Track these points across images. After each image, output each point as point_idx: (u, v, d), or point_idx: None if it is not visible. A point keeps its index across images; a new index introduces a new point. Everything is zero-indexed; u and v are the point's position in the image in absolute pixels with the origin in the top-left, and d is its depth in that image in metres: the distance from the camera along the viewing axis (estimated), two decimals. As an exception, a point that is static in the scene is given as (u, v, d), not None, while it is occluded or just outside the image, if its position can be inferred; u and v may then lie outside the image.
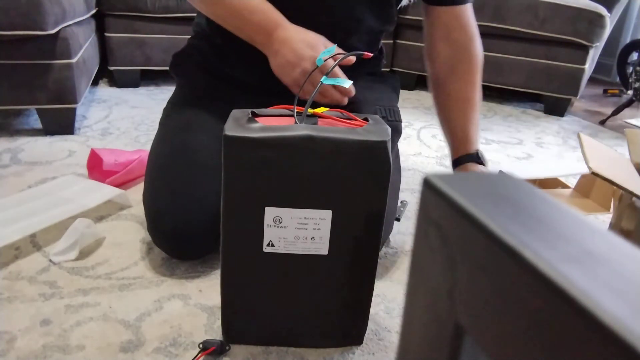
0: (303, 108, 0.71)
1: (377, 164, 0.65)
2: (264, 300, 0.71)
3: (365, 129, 0.66)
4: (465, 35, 0.98)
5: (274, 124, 0.67)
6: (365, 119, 0.72)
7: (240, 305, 0.72)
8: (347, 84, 0.74)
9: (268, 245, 0.68)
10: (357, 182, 0.65)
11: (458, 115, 0.96)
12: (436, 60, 1.00)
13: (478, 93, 0.98)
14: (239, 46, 0.90)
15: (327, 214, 0.67)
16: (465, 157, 0.93)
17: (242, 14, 0.85)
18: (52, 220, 0.99)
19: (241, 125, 0.65)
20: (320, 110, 0.73)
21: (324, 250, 0.69)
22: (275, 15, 0.84)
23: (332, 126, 0.67)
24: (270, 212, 0.66)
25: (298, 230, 0.67)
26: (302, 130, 0.64)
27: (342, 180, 0.65)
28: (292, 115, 0.71)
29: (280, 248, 0.68)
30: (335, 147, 0.64)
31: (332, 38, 0.92)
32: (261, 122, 0.67)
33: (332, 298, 0.72)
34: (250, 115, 0.67)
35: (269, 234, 0.67)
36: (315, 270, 0.70)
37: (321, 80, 0.72)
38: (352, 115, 0.73)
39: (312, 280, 0.70)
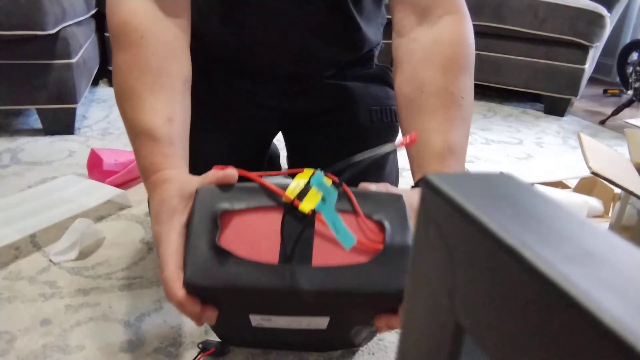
0: (290, 193, 0.53)
1: (388, 307, 0.53)
2: (259, 337, 0.67)
3: (376, 264, 0.50)
4: (443, 8, 0.70)
5: (251, 246, 0.51)
6: (379, 219, 0.53)
7: (234, 337, 0.70)
8: (349, 243, 0.49)
9: (258, 325, 0.60)
10: (361, 312, 0.56)
11: (435, 118, 0.66)
12: (403, 41, 0.72)
13: (466, 91, 0.68)
14: (229, 48, 0.89)
15: (323, 319, 0.57)
16: None
17: (134, 132, 0.64)
18: (52, 220, 0.99)
19: (205, 257, 0.50)
20: (312, 197, 0.52)
21: (322, 327, 0.60)
22: (157, 157, 0.61)
23: (330, 253, 0.51)
24: (256, 317, 0.57)
25: (291, 323, 0.59)
26: (287, 280, 0.49)
27: (341, 307, 0.55)
28: (277, 207, 0.54)
29: (272, 326, 0.60)
30: (331, 298, 0.51)
31: (283, 71, 0.87)
32: (234, 240, 0.51)
33: (334, 340, 0.69)
34: (219, 224, 0.51)
35: (256, 321, 0.58)
36: (314, 333, 0.62)
37: (320, 206, 0.51)
38: (359, 209, 0.53)
39: (310, 337, 0.65)
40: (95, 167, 1.24)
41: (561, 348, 0.15)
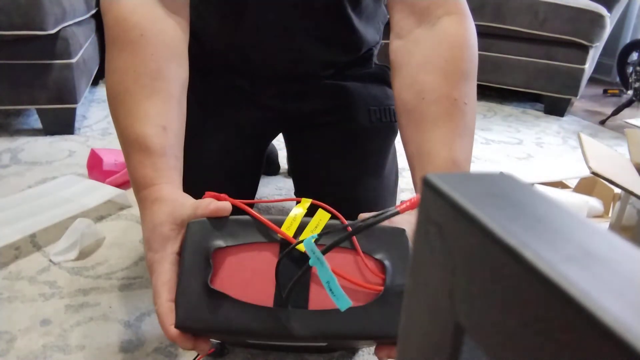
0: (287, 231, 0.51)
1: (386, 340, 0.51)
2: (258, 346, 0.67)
3: (375, 306, 0.49)
4: (442, 9, 0.67)
5: (244, 287, 0.50)
6: (381, 264, 0.51)
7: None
8: (344, 305, 0.47)
9: (255, 342, 0.59)
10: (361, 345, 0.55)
11: (438, 127, 0.62)
12: (402, 43, 0.69)
13: (469, 97, 0.65)
14: (227, 48, 0.89)
15: (321, 345, 0.56)
16: None
17: (126, 141, 0.62)
18: (52, 220, 0.99)
19: (198, 298, 0.49)
20: (310, 228, 0.51)
21: (322, 343, 0.59)
22: (148, 170, 0.59)
23: (327, 300, 0.49)
24: (252, 343, 0.57)
25: (288, 347, 0.58)
26: (282, 320, 0.48)
27: (339, 345, 0.55)
28: (272, 242, 0.52)
29: (269, 344, 0.59)
30: (328, 341, 0.50)
31: (282, 72, 0.87)
32: (227, 281, 0.50)
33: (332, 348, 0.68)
34: (212, 263, 0.50)
35: (254, 344, 0.59)
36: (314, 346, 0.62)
37: (313, 264, 0.47)
38: (359, 248, 0.51)
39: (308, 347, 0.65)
40: (95, 167, 1.24)
41: (561, 348, 0.15)
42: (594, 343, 0.14)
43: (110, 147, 1.45)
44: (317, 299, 0.50)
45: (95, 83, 2.18)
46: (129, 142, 0.60)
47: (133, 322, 0.78)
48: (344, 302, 0.46)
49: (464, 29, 0.67)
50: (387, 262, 0.51)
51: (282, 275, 0.50)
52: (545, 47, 2.19)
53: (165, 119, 0.61)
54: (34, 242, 0.97)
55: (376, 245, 0.51)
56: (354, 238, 0.51)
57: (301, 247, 0.49)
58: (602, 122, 2.21)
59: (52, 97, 1.48)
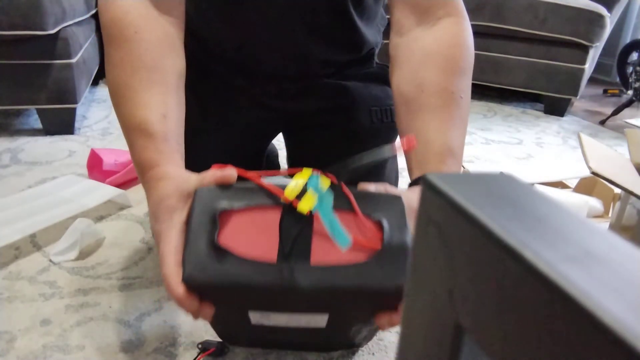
0: (290, 194, 0.53)
1: (387, 306, 0.53)
2: (259, 335, 0.67)
3: (375, 263, 0.51)
4: (442, 10, 0.71)
5: (250, 245, 0.52)
6: (378, 219, 0.53)
7: (234, 336, 0.70)
8: (345, 243, 0.49)
9: (257, 322, 0.59)
10: (360, 310, 0.56)
11: (435, 117, 0.66)
12: (403, 41, 0.72)
13: (465, 91, 0.69)
14: (227, 47, 0.89)
15: (322, 316, 0.57)
16: None
17: (129, 128, 0.65)
18: (52, 220, 0.99)
19: (205, 254, 0.51)
20: (310, 199, 0.52)
21: (322, 325, 0.59)
22: (152, 153, 0.61)
23: (329, 256, 0.51)
24: (255, 314, 0.57)
25: (289, 321, 0.59)
26: (286, 278, 0.49)
27: (340, 305, 0.55)
28: (276, 206, 0.54)
29: (271, 324, 0.60)
30: (330, 296, 0.51)
31: (283, 70, 0.87)
32: (232, 239, 0.52)
33: (334, 339, 0.68)
34: (218, 223, 0.52)
35: (256, 320, 0.58)
36: (314, 332, 0.62)
37: (317, 207, 0.50)
38: (358, 210, 0.53)
39: (310, 336, 0.65)
40: (95, 167, 1.24)
41: (561, 348, 0.15)
42: (594, 343, 0.14)
43: (110, 147, 1.45)
44: (319, 255, 0.51)
45: (95, 83, 2.18)
46: (132, 129, 0.63)
47: (133, 322, 0.78)
48: (345, 241, 0.47)
49: (462, 29, 0.71)
50: (384, 222, 0.52)
51: (285, 232, 0.52)
52: (545, 47, 2.19)
53: (165, 107, 0.64)
54: (34, 242, 0.97)
55: (373, 208, 0.53)
56: (353, 200, 0.53)
57: (302, 209, 0.51)
58: (602, 122, 2.21)
59: (52, 97, 1.48)
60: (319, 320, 0.58)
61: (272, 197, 0.54)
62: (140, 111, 0.63)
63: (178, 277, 0.51)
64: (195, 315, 0.53)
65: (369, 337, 0.73)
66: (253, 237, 0.52)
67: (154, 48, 0.66)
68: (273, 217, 0.53)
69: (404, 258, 0.51)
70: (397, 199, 0.55)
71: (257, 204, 0.54)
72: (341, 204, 0.53)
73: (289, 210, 0.52)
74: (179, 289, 0.51)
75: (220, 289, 0.51)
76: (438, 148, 0.64)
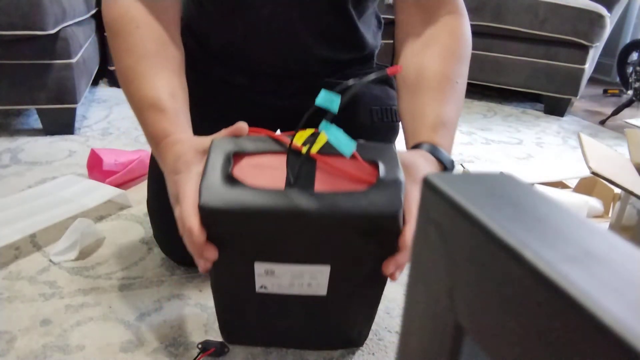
0: (295, 144, 0.58)
1: (385, 236, 0.56)
2: (260, 321, 0.69)
3: (373, 192, 0.55)
4: (445, 9, 0.78)
5: (260, 178, 0.57)
6: (374, 161, 0.59)
7: (236, 323, 0.71)
8: (349, 150, 0.53)
9: (261, 287, 0.63)
10: (361, 246, 0.58)
11: (430, 96, 0.72)
12: (408, 37, 0.79)
13: (461, 78, 0.75)
14: (228, 45, 0.89)
15: (324, 269, 0.60)
16: (427, 146, 0.67)
17: (141, 108, 0.70)
18: (52, 220, 0.99)
19: (220, 185, 0.55)
20: (318, 142, 0.58)
21: (322, 293, 0.63)
22: (165, 124, 0.67)
23: (331, 184, 0.56)
24: (260, 266, 0.60)
25: (293, 279, 0.61)
26: (293, 201, 0.54)
27: (342, 245, 0.58)
28: (284, 150, 0.60)
29: (274, 290, 0.63)
30: (333, 223, 0.55)
31: (283, 69, 0.88)
32: (245, 174, 0.57)
33: (334, 321, 0.70)
34: (232, 160, 0.57)
35: (260, 281, 0.62)
36: (314, 305, 0.65)
37: (321, 128, 0.55)
38: (357, 154, 0.59)
39: (310, 311, 0.67)
40: (95, 167, 1.24)
41: (561, 348, 0.15)
42: (594, 343, 0.14)
43: (110, 147, 1.45)
44: (322, 186, 0.56)
45: (95, 83, 2.18)
46: (145, 109, 0.68)
47: (133, 322, 0.78)
48: (349, 147, 0.53)
49: (460, 23, 0.78)
50: (379, 163, 0.58)
51: (291, 168, 0.57)
52: (545, 47, 2.19)
53: (172, 88, 0.70)
54: (34, 242, 0.97)
55: (369, 153, 0.60)
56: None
57: (299, 140, 0.59)
58: (602, 122, 2.21)
59: (52, 97, 1.48)
60: (321, 280, 0.61)
61: (281, 144, 0.61)
62: (150, 92, 0.68)
63: (194, 209, 0.55)
64: (200, 251, 0.56)
65: (365, 333, 0.74)
66: (263, 172, 0.58)
67: (156, 39, 0.72)
68: (281, 159, 0.59)
69: (399, 190, 0.55)
70: (389, 146, 0.61)
71: (268, 150, 0.60)
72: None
73: (295, 152, 0.58)
74: (194, 219, 0.55)
75: (232, 215, 0.54)
76: (431, 120, 0.70)
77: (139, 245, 0.99)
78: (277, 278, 0.61)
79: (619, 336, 0.13)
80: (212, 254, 0.57)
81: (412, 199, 0.57)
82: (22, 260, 0.92)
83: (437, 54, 0.75)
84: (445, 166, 0.67)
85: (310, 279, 0.61)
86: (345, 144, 0.53)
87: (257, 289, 0.62)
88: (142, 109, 0.68)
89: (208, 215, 0.54)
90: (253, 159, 0.59)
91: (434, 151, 0.66)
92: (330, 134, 0.53)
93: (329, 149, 0.57)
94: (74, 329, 0.76)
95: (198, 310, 0.81)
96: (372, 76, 0.56)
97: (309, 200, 0.54)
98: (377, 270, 0.59)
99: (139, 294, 0.85)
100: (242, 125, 0.62)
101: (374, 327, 0.80)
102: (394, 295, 0.88)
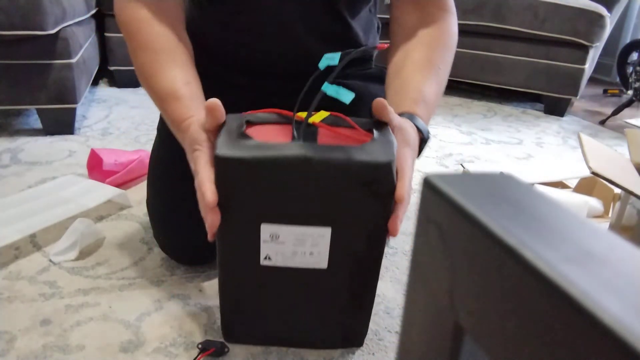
0: (301, 115, 0.67)
1: (380, 186, 0.62)
2: (263, 307, 0.71)
3: (369, 146, 0.62)
4: (435, 6, 0.85)
5: (269, 137, 0.64)
6: (370, 129, 0.67)
7: (239, 311, 0.72)
8: (349, 98, 0.62)
9: (265, 258, 0.67)
10: (359, 201, 0.63)
11: (415, 75, 0.80)
12: (400, 29, 0.87)
13: (444, 64, 0.83)
14: (228, 46, 0.89)
15: (325, 231, 0.65)
16: (407, 115, 0.75)
17: (161, 98, 0.76)
18: (52, 220, 0.99)
19: (233, 141, 0.62)
20: (319, 116, 0.68)
21: (323, 265, 0.67)
22: (183, 110, 0.73)
23: (332, 142, 0.64)
24: (266, 229, 0.65)
25: (296, 246, 0.66)
26: (299, 150, 0.61)
27: (342, 199, 0.63)
28: (290, 123, 0.68)
29: (277, 262, 0.67)
30: (334, 169, 0.61)
31: (283, 69, 0.90)
32: (256, 134, 0.64)
33: (333, 306, 0.71)
34: (245, 125, 0.65)
35: (265, 249, 0.66)
36: (315, 282, 0.69)
37: (322, 88, 0.63)
38: (354, 124, 0.69)
39: (311, 290, 0.70)
40: (95, 167, 1.24)
41: (561, 348, 0.15)
42: (594, 343, 0.14)
43: (110, 147, 1.45)
44: (324, 143, 0.64)
45: (95, 83, 2.18)
46: (163, 99, 0.75)
47: (133, 322, 0.78)
48: (348, 96, 0.61)
49: (448, 18, 0.87)
50: (373, 130, 0.66)
51: (297, 130, 0.65)
52: (545, 47, 2.19)
53: (187, 77, 0.77)
54: (34, 242, 0.97)
55: (364, 125, 0.69)
56: (348, 118, 0.70)
57: (312, 120, 0.66)
58: (602, 122, 2.21)
59: (52, 97, 1.48)
60: (322, 247, 0.66)
61: (288, 118, 0.69)
62: (168, 83, 0.75)
63: (209, 180, 0.62)
64: (208, 213, 0.62)
65: (364, 331, 0.74)
66: (272, 133, 0.66)
67: (167, 37, 0.79)
68: (288, 127, 0.68)
69: (391, 146, 0.63)
70: (384, 123, 0.69)
71: (276, 121, 0.69)
72: (339, 121, 0.69)
73: (299, 122, 0.66)
74: (208, 185, 0.61)
75: (244, 163, 0.60)
76: (413, 94, 0.78)
77: (139, 245, 0.99)
78: (281, 245, 0.66)
79: (618, 336, 0.13)
80: (213, 220, 0.63)
81: (403, 157, 0.65)
82: (22, 260, 0.92)
83: (423, 42, 0.83)
84: (423, 134, 0.74)
85: (312, 246, 0.66)
86: (344, 94, 0.61)
87: (262, 260, 0.67)
88: (162, 99, 0.75)
89: (222, 164, 0.61)
90: (263, 126, 0.68)
91: (413, 120, 0.73)
92: (330, 89, 0.62)
93: (329, 122, 0.68)
94: (74, 329, 0.76)
95: (198, 310, 0.81)
96: (363, 51, 0.65)
97: (312, 150, 0.61)
98: (374, 236, 0.65)
99: (139, 294, 0.85)
100: (214, 100, 0.65)
101: (374, 327, 0.80)
102: (394, 295, 0.88)
